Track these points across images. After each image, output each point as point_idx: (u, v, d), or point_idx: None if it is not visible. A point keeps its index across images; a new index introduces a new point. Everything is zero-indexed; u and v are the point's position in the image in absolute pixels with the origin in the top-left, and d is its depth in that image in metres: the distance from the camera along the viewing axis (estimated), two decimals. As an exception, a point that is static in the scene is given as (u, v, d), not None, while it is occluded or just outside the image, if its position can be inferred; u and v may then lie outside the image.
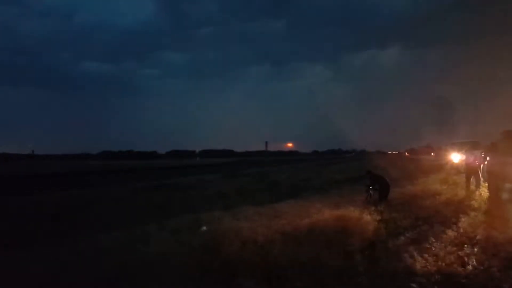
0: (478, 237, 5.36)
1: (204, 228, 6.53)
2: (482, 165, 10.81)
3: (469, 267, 4.15)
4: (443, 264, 4.30)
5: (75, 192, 16.12)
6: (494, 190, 8.44)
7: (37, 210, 10.76)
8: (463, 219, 6.53)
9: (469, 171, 10.64)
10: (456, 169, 18.35)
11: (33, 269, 4.70)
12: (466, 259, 4.41)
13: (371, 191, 9.42)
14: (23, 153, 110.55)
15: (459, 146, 20.13)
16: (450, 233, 5.66)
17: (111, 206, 11.23)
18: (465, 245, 4.96)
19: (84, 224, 7.98)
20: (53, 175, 31.55)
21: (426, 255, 4.58)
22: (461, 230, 5.78)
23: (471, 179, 10.49)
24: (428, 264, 4.31)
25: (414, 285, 3.73)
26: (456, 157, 19.63)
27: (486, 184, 9.63)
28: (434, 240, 5.25)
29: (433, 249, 4.88)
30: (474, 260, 4.35)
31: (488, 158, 10.77)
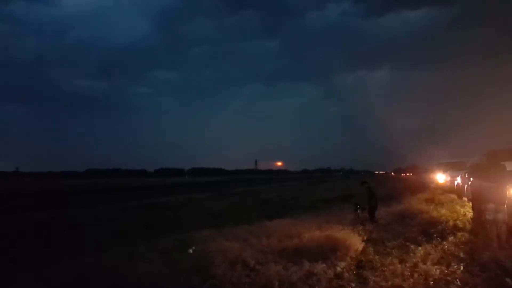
0: (463, 255, 5.48)
1: (193, 248, 6.51)
2: (466, 186, 11.04)
3: (453, 286, 4.25)
4: (429, 282, 4.40)
5: (63, 212, 15.83)
6: (478, 211, 8.61)
7: (23, 230, 10.54)
8: (450, 239, 6.64)
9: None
10: (442, 189, 18.69)
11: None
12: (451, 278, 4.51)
13: (358, 211, 9.53)
14: (8, 171, 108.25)
15: (445, 166, 20.52)
16: (436, 252, 5.77)
17: (99, 225, 11.07)
18: (451, 264, 5.06)
19: (72, 244, 7.87)
20: (39, 193, 30.88)
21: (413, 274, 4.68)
22: (446, 249, 5.90)
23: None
24: (414, 283, 4.40)
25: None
26: (441, 177, 19.99)
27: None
28: (420, 259, 5.36)
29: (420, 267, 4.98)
30: (458, 279, 4.45)
31: (471, 179, 11.03)
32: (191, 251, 6.39)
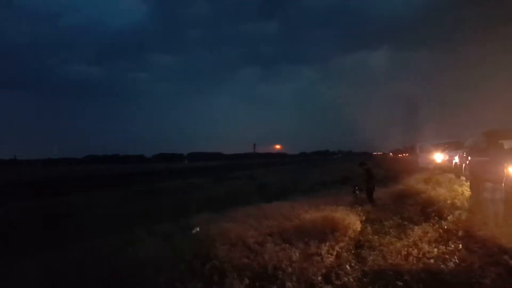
0: (460, 234, 5.53)
1: (194, 230, 6.56)
2: (464, 165, 11.06)
3: (451, 263, 4.29)
4: (428, 260, 4.44)
5: (64, 199, 15.85)
6: (476, 189, 8.65)
7: (25, 218, 10.58)
8: (448, 217, 6.70)
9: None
10: (440, 169, 18.80)
11: (25, 277, 4.67)
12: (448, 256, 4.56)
13: (357, 192, 9.57)
14: (5, 158, 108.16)
15: (442, 146, 20.58)
16: (433, 230, 5.82)
17: (100, 212, 11.12)
18: (449, 242, 5.10)
19: (74, 230, 7.91)
20: (38, 181, 30.86)
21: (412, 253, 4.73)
22: (444, 227, 5.95)
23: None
24: (413, 261, 4.45)
25: (400, 283, 3.85)
26: (439, 157, 20.06)
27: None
28: (418, 238, 5.41)
29: (418, 246, 5.03)
30: (456, 257, 4.50)
31: (469, 158, 11.05)
32: (194, 232, 6.45)
